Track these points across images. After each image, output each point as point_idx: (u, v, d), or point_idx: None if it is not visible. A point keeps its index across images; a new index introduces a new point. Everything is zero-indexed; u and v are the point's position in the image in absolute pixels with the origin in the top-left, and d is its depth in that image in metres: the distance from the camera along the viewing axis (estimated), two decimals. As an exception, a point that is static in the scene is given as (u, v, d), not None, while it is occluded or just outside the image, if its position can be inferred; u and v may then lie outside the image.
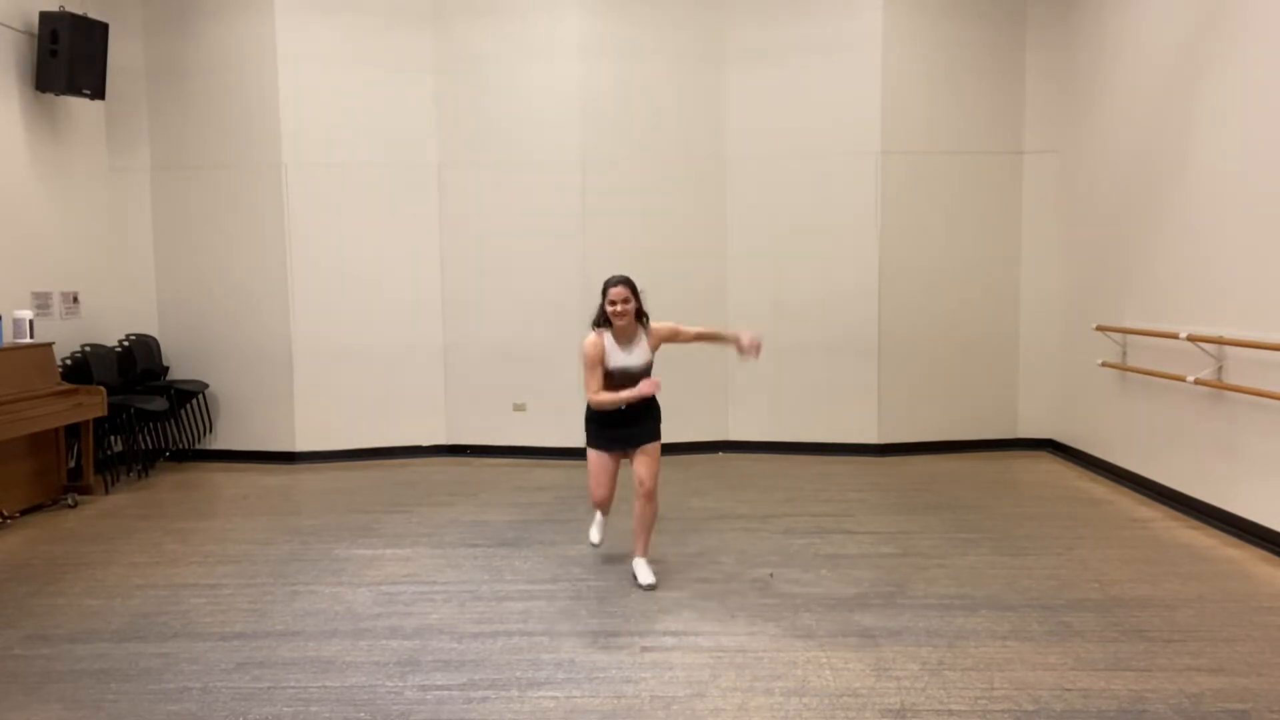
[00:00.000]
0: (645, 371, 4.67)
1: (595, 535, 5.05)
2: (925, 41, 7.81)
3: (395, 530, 5.85)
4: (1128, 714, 3.30)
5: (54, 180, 7.29)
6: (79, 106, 7.52)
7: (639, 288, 4.64)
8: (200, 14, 7.84)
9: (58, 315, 7.23)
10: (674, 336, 4.77)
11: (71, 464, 6.89)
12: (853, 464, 7.65)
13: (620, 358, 4.63)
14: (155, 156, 8.03)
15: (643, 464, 4.70)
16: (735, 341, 4.80)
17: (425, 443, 8.22)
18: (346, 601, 4.56)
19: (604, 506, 4.91)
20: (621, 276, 4.63)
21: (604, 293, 4.61)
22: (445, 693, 3.56)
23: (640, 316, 4.67)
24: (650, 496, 4.70)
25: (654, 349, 4.73)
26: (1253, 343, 5.17)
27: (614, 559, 5.13)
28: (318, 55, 7.81)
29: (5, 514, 6.02)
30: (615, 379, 4.62)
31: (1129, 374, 6.69)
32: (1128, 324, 6.66)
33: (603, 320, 4.64)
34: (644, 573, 4.75)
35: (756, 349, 4.72)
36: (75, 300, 7.45)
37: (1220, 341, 5.51)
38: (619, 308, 4.55)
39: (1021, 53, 7.90)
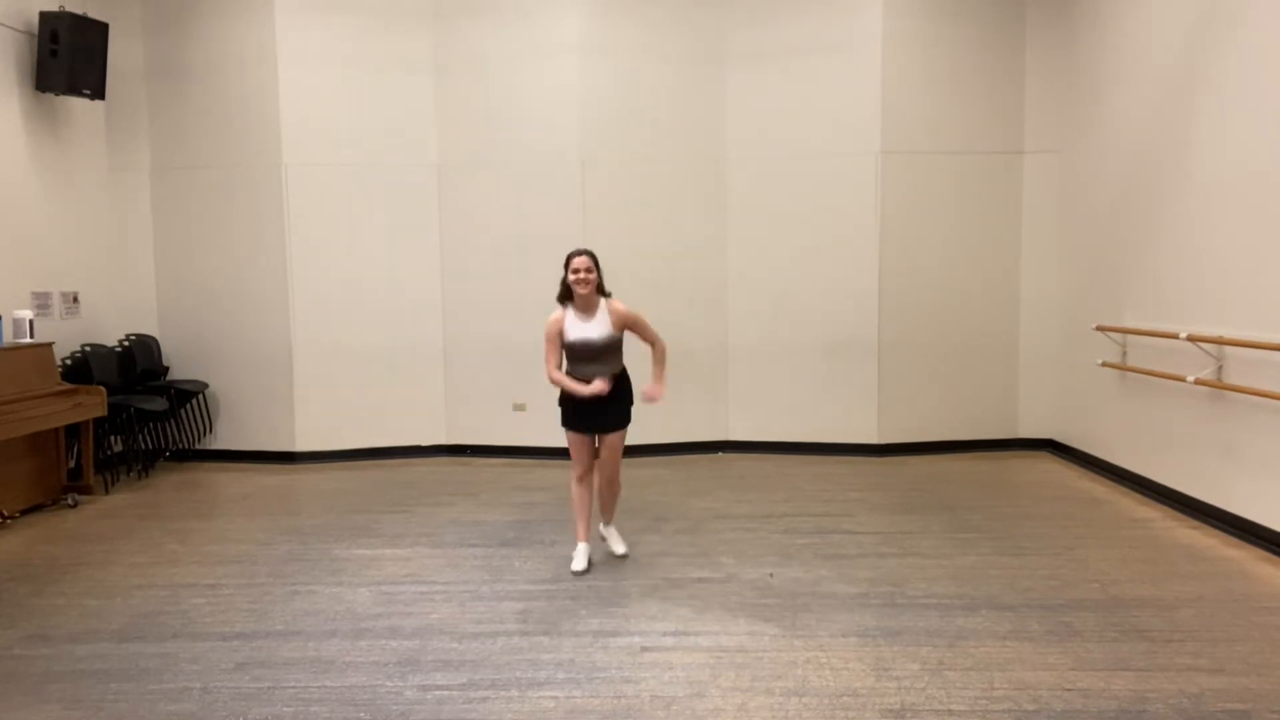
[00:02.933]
0: (606, 345, 4.86)
1: (579, 564, 4.96)
2: (925, 41, 7.81)
3: (395, 530, 5.85)
4: (1128, 714, 3.30)
5: (54, 180, 7.29)
6: (79, 106, 7.52)
7: (599, 261, 4.91)
8: (200, 14, 7.84)
9: (58, 315, 7.23)
10: (635, 325, 4.96)
11: (71, 464, 6.89)
12: (853, 464, 7.65)
13: (580, 329, 4.85)
14: (155, 156, 8.04)
15: (606, 454, 4.98)
16: (654, 378, 4.98)
17: (425, 443, 8.22)
18: (346, 601, 4.56)
19: (583, 478, 5.03)
20: (584, 249, 4.94)
21: (567, 264, 4.86)
22: (445, 693, 3.56)
23: (601, 290, 4.90)
24: (612, 481, 5.06)
25: (617, 328, 4.90)
26: (1253, 343, 5.17)
27: (614, 560, 5.14)
28: (318, 55, 7.81)
29: (5, 514, 6.02)
30: (576, 351, 4.87)
31: (1129, 374, 6.69)
32: (1128, 324, 6.66)
33: (565, 294, 4.89)
34: (616, 542, 5.17)
35: (652, 397, 4.91)
36: (75, 300, 7.45)
37: (1220, 341, 5.51)
38: (581, 275, 4.79)
39: (1021, 53, 7.90)
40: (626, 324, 4.92)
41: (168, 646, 4.04)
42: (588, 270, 4.79)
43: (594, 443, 5.01)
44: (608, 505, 5.18)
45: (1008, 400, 8.13)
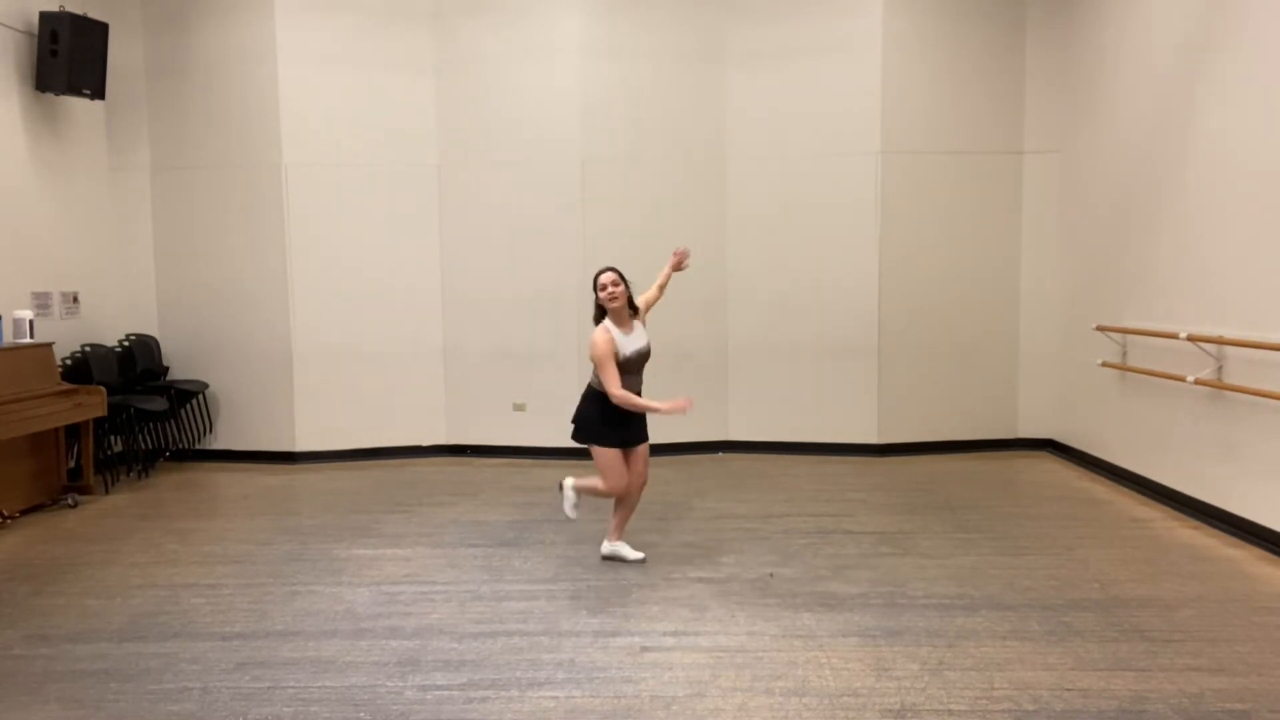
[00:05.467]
0: (647, 352, 4.90)
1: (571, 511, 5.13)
2: (925, 41, 7.81)
3: (395, 530, 5.85)
4: (1128, 714, 3.30)
5: (54, 180, 7.29)
6: (79, 106, 7.52)
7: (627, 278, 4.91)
8: (200, 14, 7.84)
9: (58, 315, 7.23)
10: (648, 306, 5.06)
11: (71, 464, 6.89)
12: (853, 464, 7.65)
13: (629, 343, 4.81)
14: (155, 156, 8.03)
15: (641, 460, 4.97)
16: (671, 270, 5.28)
17: (425, 443, 8.22)
18: (346, 601, 4.56)
19: (625, 498, 5.02)
20: (609, 266, 4.89)
21: (595, 283, 4.83)
22: (445, 693, 3.56)
23: (632, 304, 4.90)
24: (645, 483, 5.10)
25: (645, 322, 4.98)
26: (1253, 343, 5.17)
27: (614, 560, 5.13)
28: (318, 55, 7.81)
29: (5, 514, 6.02)
30: (634, 363, 4.82)
31: (1129, 374, 6.69)
32: (1128, 324, 6.66)
33: (600, 313, 4.84)
34: (629, 552, 5.11)
35: (682, 258, 5.19)
36: (75, 300, 7.45)
37: (1220, 341, 5.51)
38: (610, 290, 4.75)
39: (1021, 53, 7.90)
40: (649, 306, 5.06)
41: (168, 646, 4.04)
42: (614, 284, 4.75)
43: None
44: (626, 517, 5.12)
45: (1008, 400, 8.13)
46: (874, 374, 7.93)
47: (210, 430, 8.12)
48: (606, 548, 5.12)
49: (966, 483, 6.96)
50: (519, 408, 8.04)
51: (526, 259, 7.92)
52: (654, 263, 7.77)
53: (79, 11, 7.08)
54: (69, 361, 7.12)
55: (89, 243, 7.68)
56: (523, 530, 5.79)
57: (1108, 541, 5.38)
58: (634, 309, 4.90)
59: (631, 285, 4.88)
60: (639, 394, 4.85)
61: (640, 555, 5.08)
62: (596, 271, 4.87)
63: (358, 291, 7.98)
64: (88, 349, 7.23)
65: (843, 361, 7.96)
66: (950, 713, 3.33)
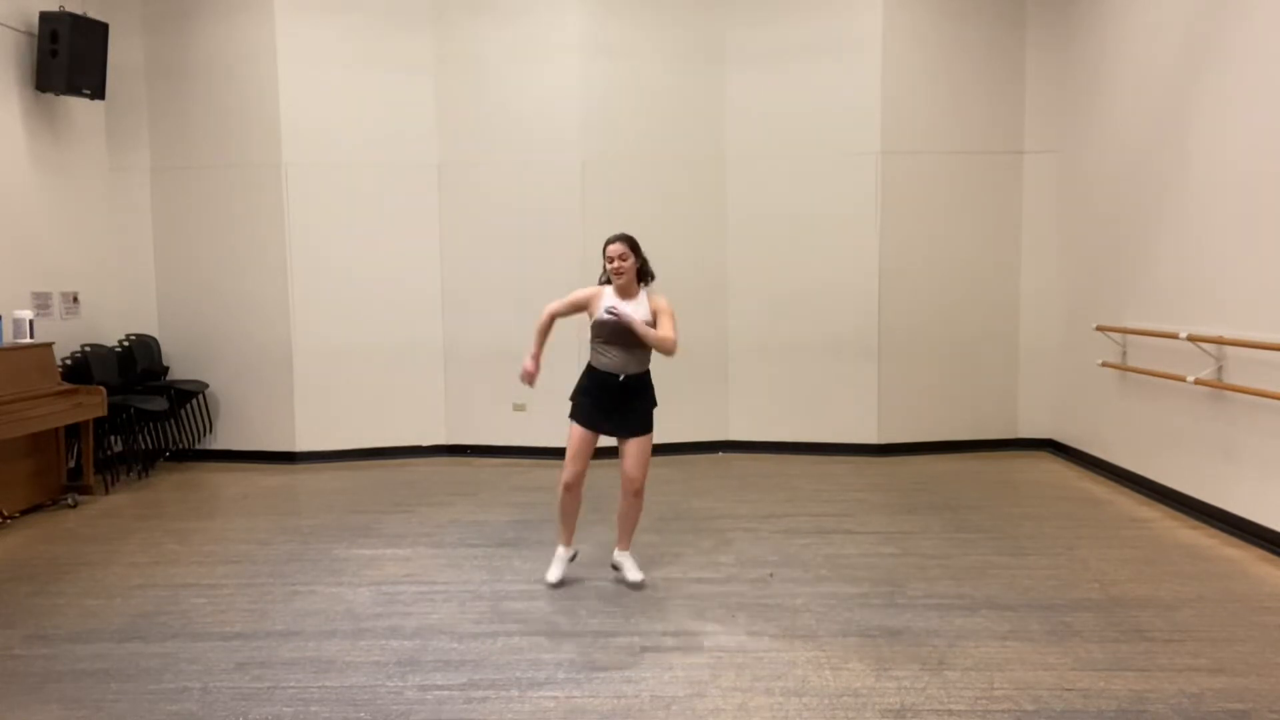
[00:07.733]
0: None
1: (554, 574, 4.76)
2: (925, 41, 7.81)
3: (395, 530, 5.85)
4: (1128, 714, 3.30)
5: (54, 180, 7.29)
6: (79, 106, 7.52)
7: (640, 246, 4.64)
8: (200, 14, 7.85)
9: (58, 315, 7.23)
10: (660, 314, 4.57)
11: (71, 464, 6.89)
12: (853, 464, 7.65)
13: (617, 303, 4.54)
14: (155, 156, 8.03)
15: (631, 460, 4.57)
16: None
17: (425, 443, 8.22)
18: (346, 601, 4.56)
19: (573, 487, 4.61)
20: (620, 234, 4.63)
21: (604, 252, 4.61)
22: (445, 693, 3.56)
23: (643, 277, 4.65)
24: (638, 494, 4.65)
25: (652, 316, 4.57)
26: (1253, 343, 5.17)
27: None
28: (318, 55, 7.81)
29: (5, 514, 6.02)
30: (608, 329, 4.49)
31: (1129, 374, 6.69)
32: (1128, 324, 6.66)
33: (607, 280, 4.65)
34: (631, 569, 4.73)
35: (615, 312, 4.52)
36: (75, 300, 7.45)
37: (1220, 341, 5.51)
38: (616, 264, 4.54)
39: (1021, 53, 7.91)
40: (657, 313, 4.58)
41: (168, 646, 4.03)
42: (621, 257, 4.50)
43: (594, 445, 4.63)
44: (627, 527, 4.73)
45: (1008, 400, 8.13)
46: (874, 374, 7.93)
47: (210, 430, 8.12)
48: (614, 555, 4.86)
49: (966, 483, 6.96)
50: (519, 408, 8.03)
51: (526, 259, 7.92)
52: (653, 262, 7.80)
53: (79, 11, 7.08)
54: (69, 361, 7.12)
55: (89, 243, 7.68)
56: (523, 530, 5.79)
57: (1108, 541, 5.38)
58: (647, 279, 4.64)
59: (646, 258, 4.64)
60: (616, 364, 4.50)
61: (638, 578, 4.70)
62: (608, 239, 4.61)
63: (358, 291, 7.98)
64: (88, 349, 7.23)
65: (843, 361, 7.96)
66: (950, 713, 3.33)
